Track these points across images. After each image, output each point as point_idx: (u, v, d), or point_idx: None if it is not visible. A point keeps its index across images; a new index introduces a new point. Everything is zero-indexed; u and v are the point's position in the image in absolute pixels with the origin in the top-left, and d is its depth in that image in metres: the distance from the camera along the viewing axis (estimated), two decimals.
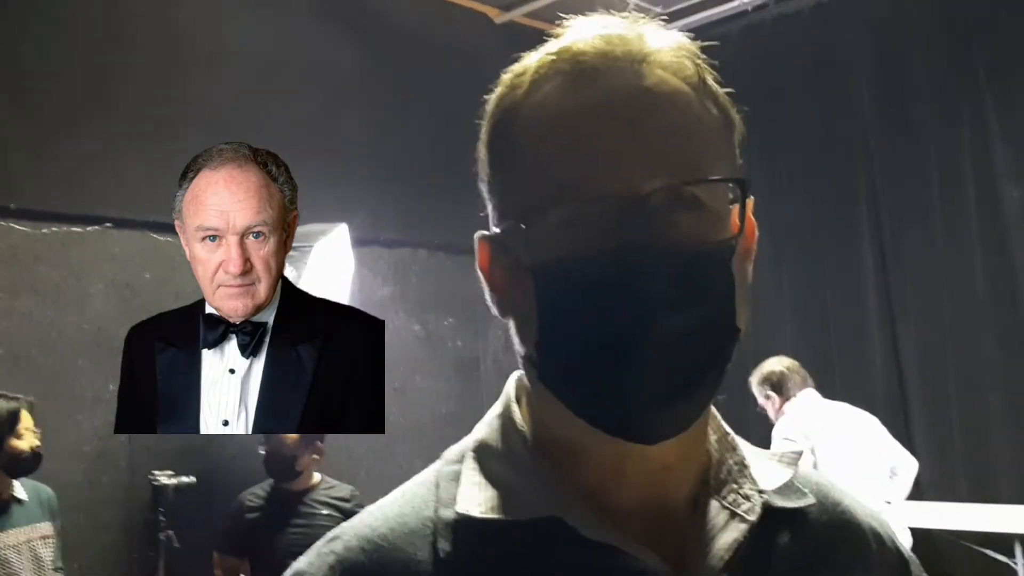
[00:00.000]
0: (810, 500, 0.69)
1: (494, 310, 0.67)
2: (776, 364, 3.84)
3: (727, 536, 0.63)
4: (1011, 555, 4.10)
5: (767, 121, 5.34)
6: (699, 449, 0.67)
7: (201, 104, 4.11)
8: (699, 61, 0.63)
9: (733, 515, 0.64)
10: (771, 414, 3.81)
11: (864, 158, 5.08)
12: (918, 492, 4.75)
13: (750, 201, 0.62)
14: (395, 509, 0.65)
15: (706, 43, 0.64)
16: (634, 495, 0.63)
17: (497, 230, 0.65)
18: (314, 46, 4.64)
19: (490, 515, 0.62)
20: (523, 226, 0.60)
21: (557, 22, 0.65)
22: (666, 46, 0.62)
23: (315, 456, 3.50)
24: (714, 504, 0.65)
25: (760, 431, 3.69)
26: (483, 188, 0.67)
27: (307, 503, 3.43)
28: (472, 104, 0.68)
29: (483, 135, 0.66)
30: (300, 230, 4.48)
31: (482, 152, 0.66)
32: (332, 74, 4.67)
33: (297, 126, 4.46)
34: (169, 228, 3.95)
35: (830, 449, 3.48)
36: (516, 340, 0.65)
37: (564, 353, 0.60)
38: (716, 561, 0.62)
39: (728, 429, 0.70)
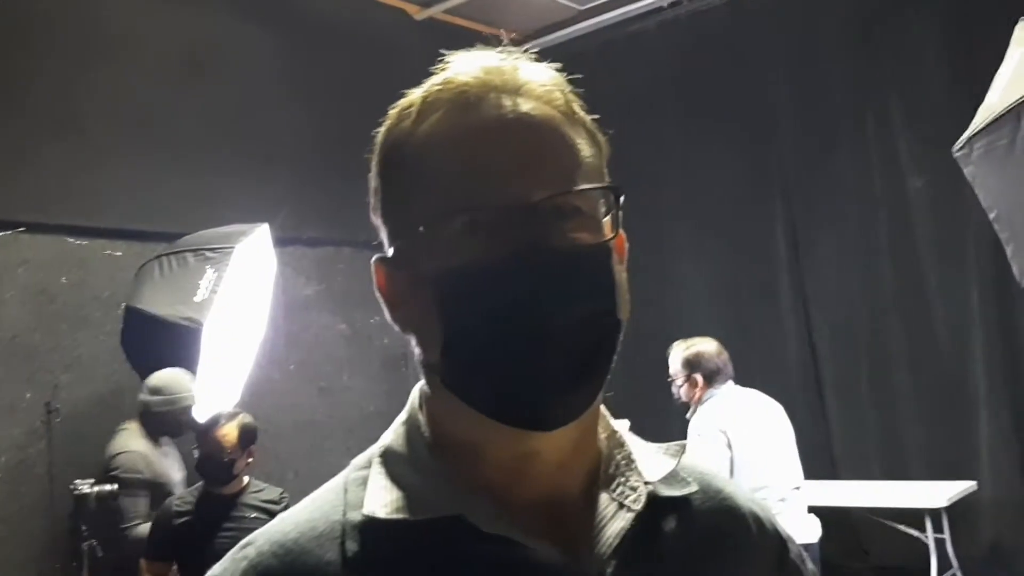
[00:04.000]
0: (693, 488, 0.75)
1: (396, 327, 0.71)
2: (712, 351, 3.59)
3: (615, 525, 0.68)
4: (922, 529, 4.29)
5: (684, 114, 5.48)
6: (590, 447, 0.72)
7: (115, 100, 4.01)
8: (566, 90, 0.70)
9: (621, 506, 0.70)
10: (683, 394, 3.62)
11: (777, 149, 5.26)
12: (834, 470, 4.93)
13: (620, 210, 0.69)
14: (305, 515, 0.68)
15: (572, 75, 0.72)
16: (531, 491, 0.68)
17: (392, 251, 0.70)
18: (233, 41, 4.57)
19: (395, 515, 0.65)
20: (423, 235, 0.65)
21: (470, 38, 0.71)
22: (537, 78, 0.69)
23: (248, 460, 3.47)
24: (604, 497, 0.70)
25: (677, 418, 3.71)
26: (376, 216, 0.71)
27: (237, 506, 3.39)
28: (393, 101, 0.71)
29: (375, 166, 0.71)
30: (221, 231, 4.38)
31: (375, 181, 0.71)
32: (251, 70, 4.61)
33: (214, 123, 4.38)
34: (85, 231, 3.89)
35: (745, 443, 3.42)
36: (419, 351, 0.69)
37: (467, 354, 0.64)
38: (605, 548, 0.67)
39: (616, 427, 0.75)
